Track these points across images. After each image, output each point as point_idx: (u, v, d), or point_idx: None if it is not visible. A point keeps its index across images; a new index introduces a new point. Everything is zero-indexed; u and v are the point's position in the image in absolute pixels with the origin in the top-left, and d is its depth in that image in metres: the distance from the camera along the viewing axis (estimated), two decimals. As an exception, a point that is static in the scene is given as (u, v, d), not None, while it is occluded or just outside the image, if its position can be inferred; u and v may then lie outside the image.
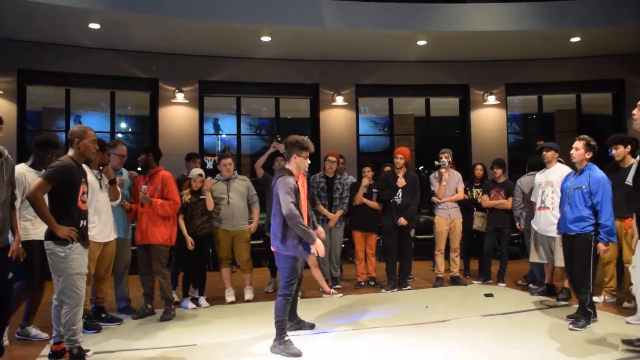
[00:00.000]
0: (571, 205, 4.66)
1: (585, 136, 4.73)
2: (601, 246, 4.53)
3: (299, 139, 4.32)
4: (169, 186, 5.26)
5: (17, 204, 4.31)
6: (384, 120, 11.69)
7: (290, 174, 4.24)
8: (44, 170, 3.85)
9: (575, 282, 4.78)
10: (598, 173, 4.62)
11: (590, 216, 4.58)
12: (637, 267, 3.95)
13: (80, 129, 3.89)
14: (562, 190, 4.93)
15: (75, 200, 3.77)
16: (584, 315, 4.61)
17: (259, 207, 6.22)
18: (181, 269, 5.87)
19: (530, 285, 6.41)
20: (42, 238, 3.81)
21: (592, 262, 4.56)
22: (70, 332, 3.73)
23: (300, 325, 4.78)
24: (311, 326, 4.80)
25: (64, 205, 3.74)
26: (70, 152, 3.85)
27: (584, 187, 4.60)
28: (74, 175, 3.76)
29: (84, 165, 4.08)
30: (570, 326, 4.58)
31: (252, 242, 6.16)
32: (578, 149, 4.68)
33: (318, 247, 4.20)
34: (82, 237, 3.81)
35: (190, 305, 5.69)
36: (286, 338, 4.12)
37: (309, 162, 4.38)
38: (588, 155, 4.68)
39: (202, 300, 5.81)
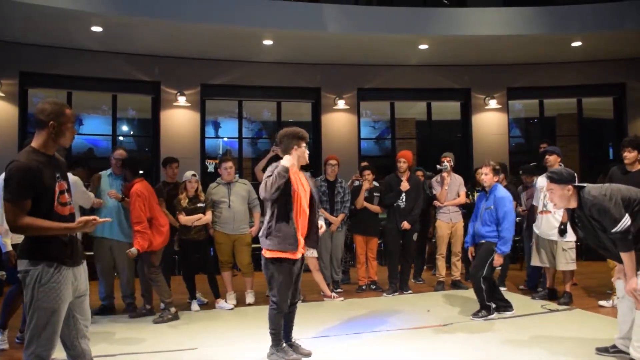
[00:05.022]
0: (482, 223, 5.26)
1: (491, 162, 5.32)
2: (496, 257, 5.11)
3: (292, 130, 4.04)
4: (131, 203, 5.20)
5: None
6: (383, 128, 11.72)
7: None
8: (5, 188, 2.63)
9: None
10: (500, 192, 5.22)
11: (495, 230, 5.17)
12: (621, 299, 3.91)
13: (55, 106, 2.75)
14: (476, 208, 5.47)
15: (51, 206, 2.69)
16: (485, 308, 5.19)
17: (260, 211, 6.22)
18: (181, 273, 5.88)
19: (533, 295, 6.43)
20: None
21: (487, 265, 5.14)
22: None
23: (293, 352, 4.05)
24: (307, 354, 4.13)
25: (36, 217, 2.64)
26: (37, 141, 2.73)
27: (491, 207, 5.19)
28: (41, 174, 2.64)
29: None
30: (471, 317, 5.17)
31: (252, 246, 6.15)
32: (487, 174, 5.27)
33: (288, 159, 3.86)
34: (70, 254, 2.77)
35: (195, 307, 5.75)
36: (283, 345, 4.01)
37: (307, 151, 4.13)
38: (496, 179, 5.29)
39: (223, 303, 5.81)
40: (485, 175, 5.27)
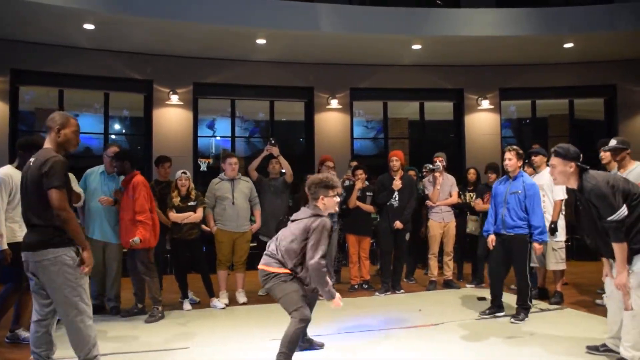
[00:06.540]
0: (509, 209, 5.10)
1: (514, 147, 5.25)
2: (536, 246, 5.03)
3: (322, 178, 3.80)
4: (137, 192, 5.14)
5: (4, 205, 4.28)
6: (378, 128, 11.74)
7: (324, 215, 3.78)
8: (51, 177, 3.10)
9: (498, 278, 5.30)
10: (529, 179, 5.20)
11: (525, 218, 5.05)
12: (610, 297, 3.94)
13: (62, 116, 3.33)
14: (496, 194, 5.32)
15: (71, 202, 3.34)
16: (524, 309, 5.06)
17: (260, 209, 6.23)
18: (173, 272, 5.87)
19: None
20: None
21: (528, 260, 5.13)
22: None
23: (311, 344, 4.26)
24: (320, 345, 4.30)
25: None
26: (50, 144, 3.28)
27: (519, 191, 5.08)
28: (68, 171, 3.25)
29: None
30: (512, 320, 4.99)
31: (251, 244, 6.16)
32: (511, 159, 5.17)
33: (336, 303, 3.70)
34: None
35: (187, 306, 5.73)
36: None
37: (338, 200, 3.87)
38: (519, 163, 5.19)
39: (216, 301, 5.79)
40: (509, 161, 5.15)
